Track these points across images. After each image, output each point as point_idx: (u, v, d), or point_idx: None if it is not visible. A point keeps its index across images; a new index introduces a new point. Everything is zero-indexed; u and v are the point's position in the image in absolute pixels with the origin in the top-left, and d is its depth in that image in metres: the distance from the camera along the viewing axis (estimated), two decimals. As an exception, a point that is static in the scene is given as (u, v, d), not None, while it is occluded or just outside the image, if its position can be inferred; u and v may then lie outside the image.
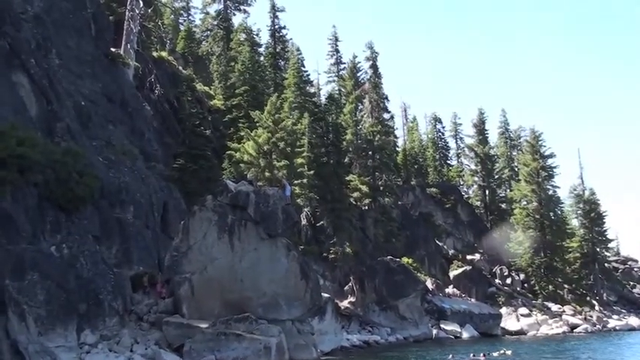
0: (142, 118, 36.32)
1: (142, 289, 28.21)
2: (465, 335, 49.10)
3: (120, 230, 27.46)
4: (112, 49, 37.12)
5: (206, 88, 54.46)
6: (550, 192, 67.00)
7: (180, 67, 53.34)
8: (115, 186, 28.23)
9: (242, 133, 44.53)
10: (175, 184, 35.35)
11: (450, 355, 29.65)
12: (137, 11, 40.99)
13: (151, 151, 34.64)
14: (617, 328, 59.00)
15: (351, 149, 56.16)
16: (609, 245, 74.87)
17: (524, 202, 67.19)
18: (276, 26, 67.17)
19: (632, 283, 73.93)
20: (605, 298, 66.54)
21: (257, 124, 43.77)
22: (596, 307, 62.71)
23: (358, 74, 61.93)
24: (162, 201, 31.94)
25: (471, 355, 27.74)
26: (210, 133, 46.20)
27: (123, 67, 37.42)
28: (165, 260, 27.77)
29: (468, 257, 62.88)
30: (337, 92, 66.58)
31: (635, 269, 76.12)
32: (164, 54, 51.14)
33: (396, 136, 71.81)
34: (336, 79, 68.75)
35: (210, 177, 40.07)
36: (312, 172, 46.96)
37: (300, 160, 45.91)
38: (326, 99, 63.84)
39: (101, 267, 24.98)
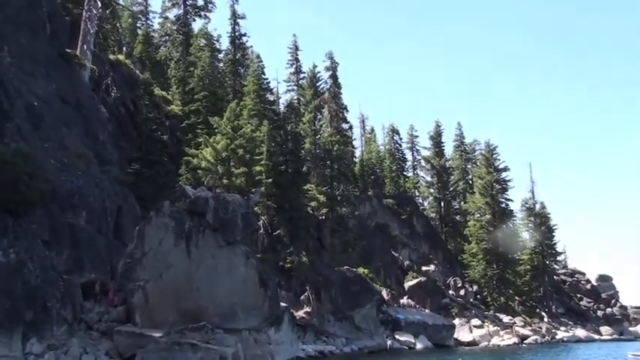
0: (97, 121, 35.29)
1: (93, 296, 27.29)
2: (419, 346, 49.34)
3: (71, 235, 26.50)
4: (68, 50, 36.04)
5: (164, 93, 53.51)
6: (503, 205, 68.26)
7: (138, 71, 52.28)
8: (67, 189, 27.28)
9: (200, 140, 43.87)
10: (130, 189, 34.43)
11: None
12: (94, 12, 39.96)
13: (105, 155, 33.63)
14: (565, 339, 60.40)
15: (309, 158, 55.97)
16: (558, 258, 76.82)
17: (478, 215, 68.19)
18: (237, 33, 66.73)
19: (579, 295, 75.67)
20: (553, 309, 68.00)
21: (216, 131, 43.16)
22: (545, 319, 64.06)
23: (318, 84, 61.98)
24: (117, 206, 31.02)
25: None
26: (167, 138, 45.27)
27: (78, 69, 36.33)
28: (119, 267, 27.01)
29: (423, 268, 63.29)
30: (296, 101, 66.40)
31: (583, 282, 77.91)
32: (121, 57, 50.00)
33: (354, 147, 72.09)
34: (295, 87, 68.55)
35: (166, 183, 39.23)
36: (270, 180, 46.53)
37: (258, 168, 45.50)
38: (285, 107, 63.56)
39: (50, 273, 24.05)
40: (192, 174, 41.69)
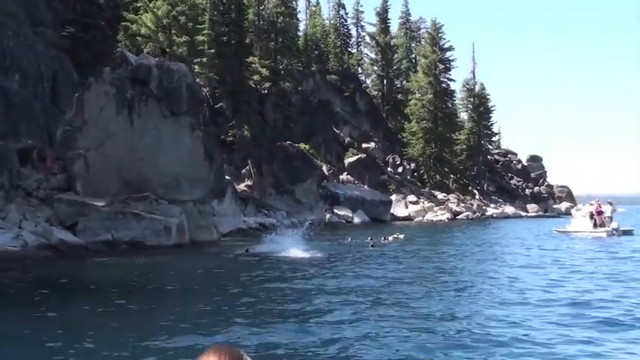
0: (26, -23, 32.48)
1: (31, 163, 26.43)
2: (357, 220, 51.00)
3: (4, 99, 25.17)
4: None
5: (96, -49, 49.55)
6: (445, 85, 68.83)
7: None
8: (-2, 51, 25.56)
9: (139, 4, 41.38)
10: (66, 53, 32.49)
11: (349, 239, 30.56)
12: None
13: (38, 16, 31.26)
14: (495, 215, 63.60)
15: (252, 30, 54.13)
16: (493, 139, 79.35)
17: (420, 94, 68.60)
18: None
19: (510, 174, 78.89)
20: (485, 188, 70.92)
21: (155, -5, 40.78)
22: (477, 197, 66.88)
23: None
24: (52, 71, 29.37)
25: (369, 238, 28.69)
26: (103, 1, 42.54)
27: None
28: (57, 134, 26.01)
29: (364, 145, 64.14)
30: (240, -33, 62.86)
31: (514, 162, 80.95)
32: None
33: (298, 20, 69.92)
34: (238, -48, 64.64)
35: (103, 49, 37.25)
36: (212, 51, 44.99)
37: (201, 38, 43.79)
38: (228, -26, 60.18)
39: (-16, 139, 23.03)
40: (132, 41, 39.70)
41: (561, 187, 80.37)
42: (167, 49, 38.86)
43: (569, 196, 78.93)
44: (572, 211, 45.90)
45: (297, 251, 23.97)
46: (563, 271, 19.24)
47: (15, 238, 22.03)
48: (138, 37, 39.08)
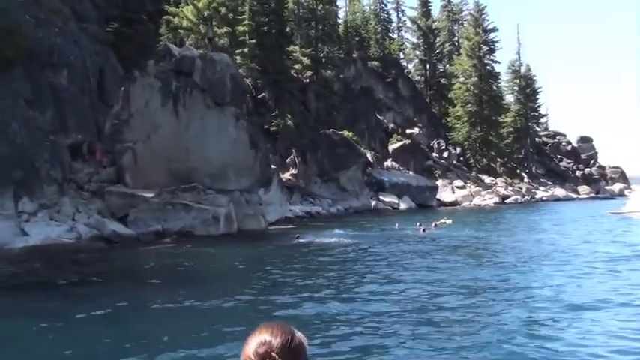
0: (71, -26, 32.96)
1: (81, 157, 26.90)
2: (403, 206, 50.48)
3: (54, 95, 25.55)
4: None
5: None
6: (489, 67, 67.49)
7: None
8: (46, 47, 25.92)
9: (180, -3, 41.67)
10: (111, 48, 32.92)
11: (397, 225, 30.19)
12: None
13: (82, 12, 31.73)
14: (544, 198, 62.16)
15: (292, 19, 54.00)
16: (540, 120, 77.53)
17: (464, 77, 67.42)
18: None
19: (559, 156, 77.02)
20: (534, 171, 69.42)
21: (195, -13, 40.89)
22: (526, 180, 65.51)
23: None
24: (98, 66, 29.77)
25: (417, 224, 28.32)
26: (144, -5, 42.96)
27: None
28: (105, 128, 26.39)
29: (408, 131, 63.40)
30: (278, -43, 62.66)
31: (563, 144, 78.99)
32: None
33: (337, 7, 69.47)
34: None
35: (145, 42, 37.61)
36: (253, 41, 44.99)
37: (241, 29, 43.83)
38: (266, -37, 60.07)
39: (36, 134, 23.49)
40: (174, 34, 39.99)
41: (614, 167, 77.98)
42: (210, 40, 38.96)
43: (622, 177, 76.55)
44: (627, 192, 44.40)
45: (347, 238, 23.82)
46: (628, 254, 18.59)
47: (69, 231, 22.46)
48: (180, 30, 39.31)
